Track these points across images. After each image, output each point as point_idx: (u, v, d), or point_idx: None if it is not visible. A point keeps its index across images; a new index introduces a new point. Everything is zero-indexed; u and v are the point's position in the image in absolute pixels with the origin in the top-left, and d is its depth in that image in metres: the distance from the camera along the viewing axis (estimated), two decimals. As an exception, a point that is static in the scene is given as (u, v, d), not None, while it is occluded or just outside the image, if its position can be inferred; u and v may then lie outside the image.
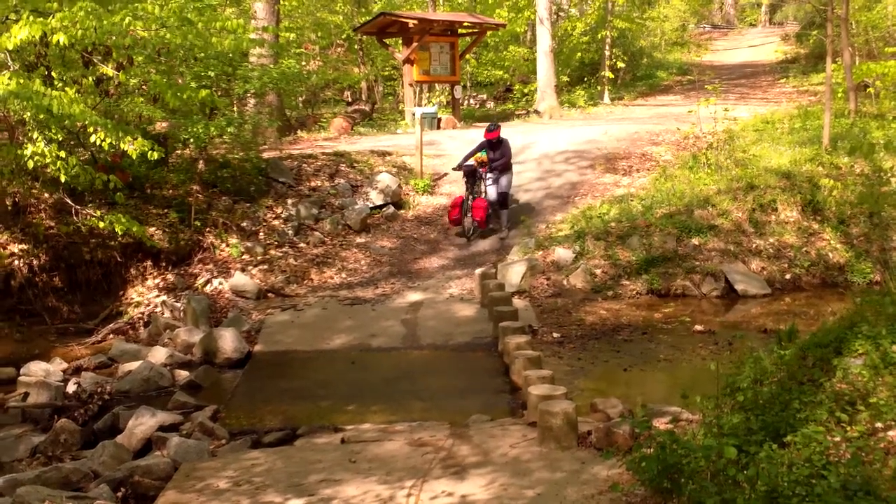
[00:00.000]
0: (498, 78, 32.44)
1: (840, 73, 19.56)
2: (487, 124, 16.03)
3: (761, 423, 5.88)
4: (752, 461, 5.30)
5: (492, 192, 15.50)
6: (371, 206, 16.58)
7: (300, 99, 28.88)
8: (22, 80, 10.42)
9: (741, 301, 13.19)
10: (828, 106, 16.88)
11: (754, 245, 14.19)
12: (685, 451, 5.29)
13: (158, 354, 11.06)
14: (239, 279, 13.64)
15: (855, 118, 18.61)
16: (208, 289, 13.57)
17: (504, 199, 15.57)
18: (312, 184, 17.10)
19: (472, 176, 15.62)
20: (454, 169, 16.67)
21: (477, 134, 21.32)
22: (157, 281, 13.75)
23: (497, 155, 15.44)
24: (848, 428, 5.78)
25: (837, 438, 5.66)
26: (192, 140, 14.96)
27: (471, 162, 15.73)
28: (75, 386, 10.02)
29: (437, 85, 29.29)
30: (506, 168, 15.48)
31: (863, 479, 4.98)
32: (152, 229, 14.01)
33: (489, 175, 15.51)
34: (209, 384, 10.34)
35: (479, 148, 15.70)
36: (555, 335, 11.60)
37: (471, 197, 15.53)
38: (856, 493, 4.84)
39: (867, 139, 16.92)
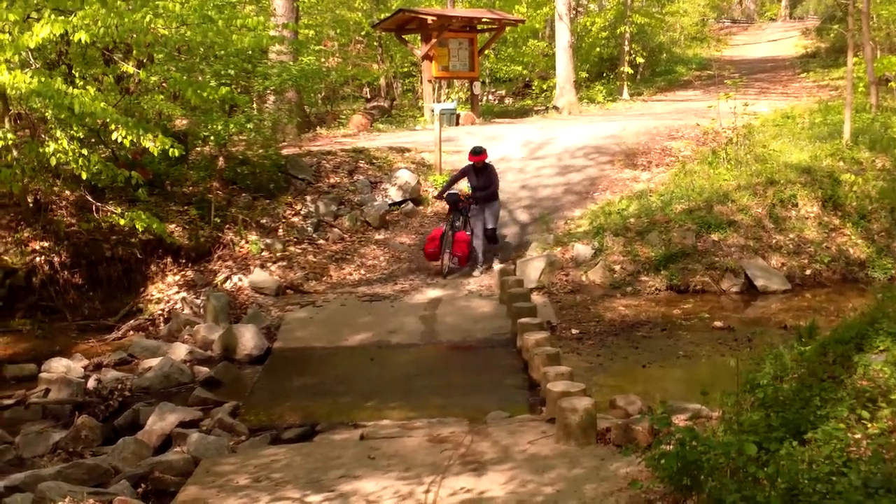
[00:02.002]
0: (517, 74, 32.39)
1: (861, 68, 19.41)
2: (473, 146, 14.27)
3: (781, 419, 5.85)
4: (772, 458, 5.28)
5: (477, 226, 13.90)
6: (390, 202, 16.59)
7: (319, 96, 28.93)
8: (43, 79, 10.48)
9: (761, 297, 13.12)
10: (848, 100, 16.77)
11: (774, 241, 14.12)
12: (705, 447, 5.27)
13: (178, 351, 11.12)
14: (258, 276, 13.68)
15: (876, 113, 18.48)
16: (228, 285, 13.62)
17: (493, 234, 14.05)
18: (331, 180, 17.12)
19: (454, 206, 14.00)
20: (436, 198, 15.67)
21: (495, 130, 21.38)
22: (176, 278, 13.81)
23: (481, 182, 13.89)
24: (869, 425, 5.74)
25: (858, 435, 5.63)
26: (211, 137, 15.02)
27: (455, 190, 14.36)
28: (96, 382, 10.08)
29: (455, 81, 29.30)
30: (491, 198, 13.90)
31: (884, 476, 4.95)
32: (172, 226, 14.08)
33: (473, 207, 13.97)
34: (229, 380, 10.38)
35: (462, 174, 14.35)
36: (574, 331, 11.58)
37: (451, 230, 13.87)
38: (877, 490, 4.81)
39: (888, 134, 16.80)
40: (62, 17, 10.13)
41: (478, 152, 13.96)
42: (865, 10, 18.14)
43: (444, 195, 14.26)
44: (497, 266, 13.52)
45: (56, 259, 13.36)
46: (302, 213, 15.88)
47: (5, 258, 13.12)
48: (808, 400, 6.08)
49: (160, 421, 8.43)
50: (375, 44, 32.38)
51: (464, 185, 14.77)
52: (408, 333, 11.57)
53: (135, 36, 11.75)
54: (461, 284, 13.57)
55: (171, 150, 11.49)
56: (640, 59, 31.23)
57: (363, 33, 32.50)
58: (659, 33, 36.24)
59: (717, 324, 11.73)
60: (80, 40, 10.31)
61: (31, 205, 13.79)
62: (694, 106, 23.21)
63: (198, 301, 13.05)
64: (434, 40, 24.06)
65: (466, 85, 27.52)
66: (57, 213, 13.83)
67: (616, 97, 29.13)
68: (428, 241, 13.96)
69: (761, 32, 47.14)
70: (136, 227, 12.68)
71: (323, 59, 26.89)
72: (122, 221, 12.80)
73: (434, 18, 23.94)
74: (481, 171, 13.96)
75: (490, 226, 13.89)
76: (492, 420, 8.25)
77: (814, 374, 6.54)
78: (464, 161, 16.96)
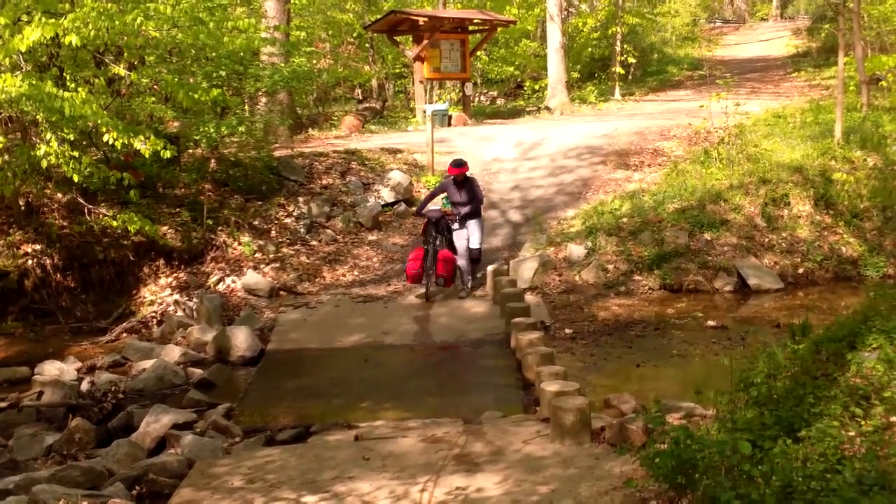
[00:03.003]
0: (509, 74, 32.40)
1: (852, 67, 19.47)
2: (454, 158, 13.42)
3: (775, 417, 5.86)
4: (766, 456, 5.28)
5: (460, 244, 12.94)
6: (383, 203, 16.58)
7: (311, 97, 28.91)
8: (34, 82, 10.45)
9: (754, 296, 13.15)
10: (840, 100, 16.81)
11: (767, 240, 14.15)
12: (699, 446, 5.27)
13: (172, 353, 11.10)
14: (251, 277, 13.67)
15: (867, 111, 18.53)
16: (221, 287, 13.61)
17: (478, 253, 13.20)
18: (324, 182, 17.12)
19: (436, 224, 12.97)
20: (415, 214, 14.35)
21: (487, 130, 21.39)
22: (169, 280, 13.78)
23: (464, 197, 12.90)
24: (862, 422, 5.76)
25: (852, 433, 5.64)
26: (203, 139, 14.99)
27: (437, 206, 13.28)
28: (89, 385, 10.06)
29: (447, 82, 29.30)
30: (475, 213, 13.03)
31: (878, 473, 4.96)
32: (165, 228, 14.06)
33: (455, 224, 12.98)
34: (222, 382, 10.36)
35: (441, 189, 13.27)
36: (567, 331, 11.59)
37: (433, 249, 12.77)
38: (871, 487, 4.81)
39: (879, 132, 16.84)
40: (53, 20, 10.11)
41: (459, 164, 12.91)
42: (856, 10, 18.19)
43: (425, 212, 13.21)
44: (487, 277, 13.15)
45: (48, 262, 13.33)
46: (294, 214, 15.87)
47: (-3, 261, 13.10)
48: (802, 398, 6.09)
49: (154, 423, 8.40)
50: (367, 45, 32.39)
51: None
52: (401, 334, 11.57)
53: (126, 38, 11.71)
54: (454, 286, 13.55)
55: (163, 151, 11.47)
56: (631, 60, 31.22)
57: (355, 35, 32.49)
58: (650, 33, 36.28)
59: (711, 323, 11.74)
60: (70, 43, 10.29)
61: (22, 207, 13.76)
62: (686, 106, 23.25)
63: (191, 303, 13.02)
64: (426, 41, 24.06)
65: (458, 86, 27.52)
66: (49, 216, 13.80)
67: (608, 97, 29.13)
68: (410, 263, 12.77)
69: (752, 32, 47.20)
70: (129, 229, 12.69)
71: (314, 61, 26.86)
72: (114, 223, 12.79)
73: (425, 20, 23.95)
74: (463, 184, 12.91)
75: (475, 245, 13.09)
76: (486, 420, 8.25)
77: (807, 372, 6.55)
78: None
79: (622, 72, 30.35)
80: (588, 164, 17.95)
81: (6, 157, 12.34)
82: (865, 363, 6.32)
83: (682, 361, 10.35)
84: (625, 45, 30.89)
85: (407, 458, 7.06)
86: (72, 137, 12.56)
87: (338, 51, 32.71)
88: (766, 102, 22.56)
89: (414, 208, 16.37)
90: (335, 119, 24.88)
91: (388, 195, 16.77)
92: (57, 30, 10.05)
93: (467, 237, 12.98)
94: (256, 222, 15.28)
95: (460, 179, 12.89)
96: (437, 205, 13.45)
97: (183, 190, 15.31)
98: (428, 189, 16.93)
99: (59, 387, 9.71)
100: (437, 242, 12.92)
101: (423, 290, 13.00)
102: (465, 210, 12.90)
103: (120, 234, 13.59)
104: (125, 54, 13.69)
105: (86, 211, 13.59)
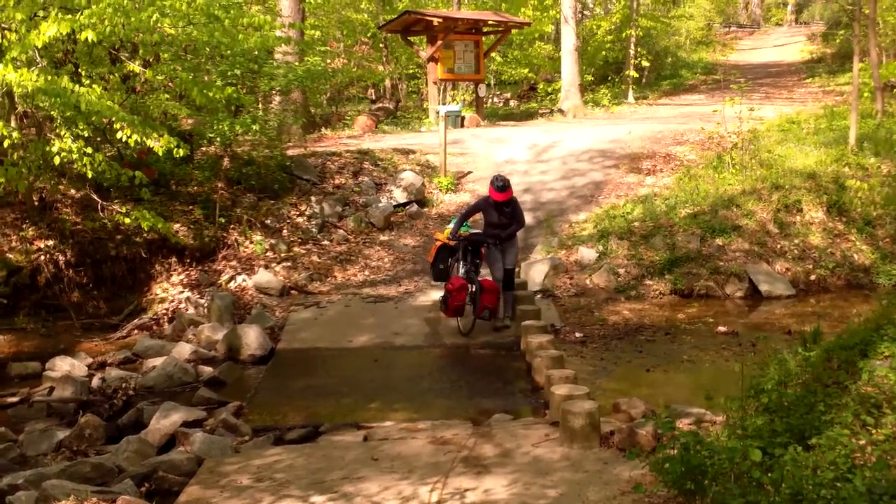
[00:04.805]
0: (522, 76, 32.39)
1: (867, 73, 19.41)
2: (493, 177, 11.56)
3: (786, 425, 5.85)
4: (776, 464, 5.27)
5: (497, 269, 11.58)
6: (395, 203, 16.58)
7: (325, 96, 28.93)
8: (50, 77, 10.49)
9: (765, 302, 13.11)
10: (854, 106, 16.75)
11: (779, 246, 14.11)
12: (709, 452, 5.26)
13: (182, 350, 11.13)
14: (263, 276, 13.69)
15: (882, 118, 18.47)
16: (232, 285, 13.63)
17: (511, 277, 11.76)
18: (336, 181, 17.13)
19: (476, 248, 11.76)
20: (450, 239, 11.72)
21: (500, 132, 21.35)
22: (181, 277, 13.82)
23: (505, 219, 11.46)
24: (873, 431, 5.74)
25: (863, 441, 5.63)
26: (217, 137, 15.02)
27: (474, 230, 12.15)
28: (100, 381, 10.09)
29: (461, 83, 29.31)
30: (512, 236, 11.69)
31: (888, 482, 4.94)
32: (177, 226, 14.09)
33: (490, 248, 11.63)
34: (233, 380, 10.39)
35: (476, 209, 11.81)
36: (577, 335, 11.57)
37: (476, 279, 11.40)
38: (881, 496, 4.80)
39: (894, 139, 16.78)
40: (69, 16, 10.14)
41: (503, 188, 11.21)
42: (872, 16, 18.13)
43: (469, 236, 11.84)
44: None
45: (61, 258, 13.39)
46: (307, 213, 15.88)
47: (10, 256, 13.15)
48: (813, 405, 6.08)
49: (164, 420, 8.43)
50: (381, 45, 32.40)
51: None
52: (412, 335, 11.58)
53: (141, 35, 11.75)
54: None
55: (176, 149, 11.50)
56: (645, 63, 31.21)
57: (369, 34, 32.50)
58: (664, 37, 36.21)
59: (722, 328, 11.71)
60: (86, 39, 10.32)
61: (36, 203, 13.82)
62: (699, 110, 23.22)
63: (202, 301, 13.06)
64: (440, 42, 24.07)
65: (472, 87, 27.50)
66: (62, 212, 13.86)
67: (621, 101, 29.10)
68: (453, 294, 11.23)
69: (767, 37, 47.03)
70: (142, 226, 12.72)
71: (328, 60, 26.89)
72: (127, 220, 12.82)
73: (440, 20, 23.95)
74: (504, 206, 11.40)
75: (510, 266, 11.67)
76: (495, 422, 8.25)
77: (818, 379, 6.54)
78: (469, 164, 16.85)
79: (636, 75, 30.32)
80: (600, 167, 17.92)
81: (21, 152, 12.39)
82: (877, 371, 6.30)
83: (692, 367, 10.33)
84: (639, 49, 30.87)
85: (416, 460, 7.07)
86: (86, 134, 12.60)
87: (352, 50, 32.71)
88: (780, 108, 22.51)
89: (426, 209, 16.44)
90: (348, 119, 24.89)
91: (400, 196, 16.78)
92: (73, 25, 10.08)
93: (503, 261, 11.62)
94: (269, 221, 15.31)
95: (501, 202, 11.34)
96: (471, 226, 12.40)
97: (196, 188, 15.34)
98: (440, 190, 16.97)
99: (70, 383, 9.77)
100: (472, 271, 11.62)
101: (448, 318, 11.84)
102: (504, 233, 11.57)
103: (132, 230, 13.63)
104: (140, 51, 13.73)
105: (99, 207, 13.63)
